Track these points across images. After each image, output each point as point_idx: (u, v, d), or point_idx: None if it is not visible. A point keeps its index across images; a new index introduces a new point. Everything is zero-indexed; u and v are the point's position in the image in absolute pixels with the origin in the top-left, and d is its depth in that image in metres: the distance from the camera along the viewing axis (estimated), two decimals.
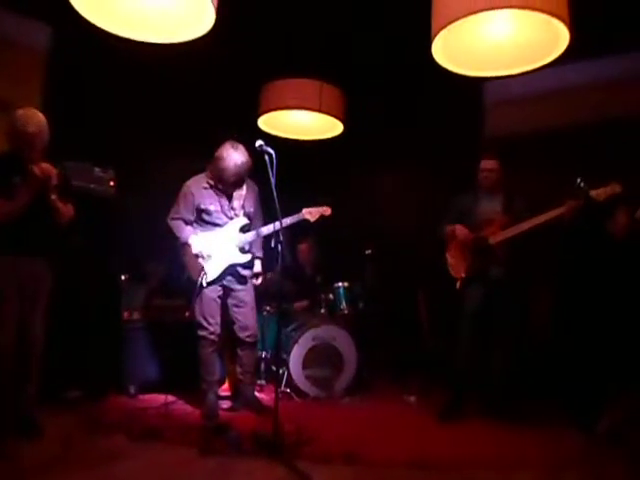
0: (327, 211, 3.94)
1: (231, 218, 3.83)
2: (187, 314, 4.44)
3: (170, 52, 3.14)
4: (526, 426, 3.50)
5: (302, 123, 4.74)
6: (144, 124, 4.82)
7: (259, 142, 3.25)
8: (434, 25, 2.77)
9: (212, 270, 3.73)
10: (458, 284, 3.90)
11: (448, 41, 2.86)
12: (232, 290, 3.83)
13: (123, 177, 4.17)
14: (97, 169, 3.23)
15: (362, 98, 4.87)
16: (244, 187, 3.84)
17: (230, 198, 3.81)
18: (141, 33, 2.81)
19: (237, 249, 3.80)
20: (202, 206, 3.78)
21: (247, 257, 3.83)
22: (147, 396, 4.12)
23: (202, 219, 3.82)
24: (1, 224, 2.98)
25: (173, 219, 3.80)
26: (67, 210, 3.21)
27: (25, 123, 3.06)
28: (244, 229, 3.85)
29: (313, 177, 5.84)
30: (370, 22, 4.51)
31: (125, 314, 4.37)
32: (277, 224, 3.37)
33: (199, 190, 3.79)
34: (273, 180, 3.22)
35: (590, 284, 4.02)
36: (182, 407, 3.90)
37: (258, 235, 3.84)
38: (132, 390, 4.16)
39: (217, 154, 3.65)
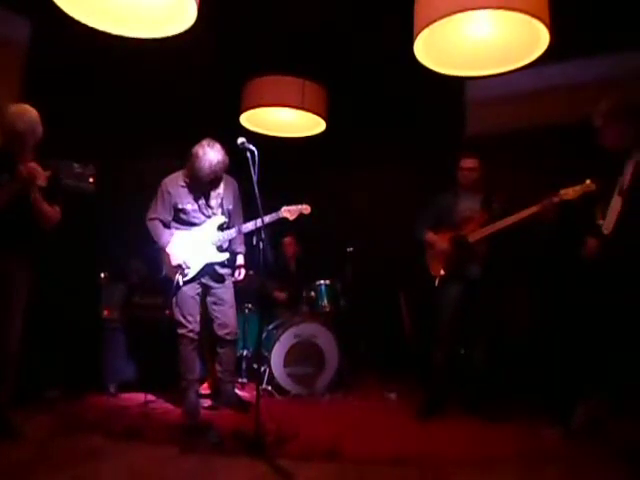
0: (306, 209, 3.93)
1: (209, 217, 3.81)
2: (167, 312, 4.41)
3: (152, 48, 3.12)
4: (505, 423, 3.55)
5: (284, 120, 4.73)
6: (125, 121, 4.77)
7: (241, 139, 3.24)
8: (416, 24, 2.78)
9: (189, 270, 3.71)
10: (437, 282, 3.93)
11: (430, 40, 2.87)
12: (211, 288, 3.82)
13: (103, 174, 4.12)
14: (76, 165, 3.17)
15: (343, 96, 4.87)
16: (222, 184, 3.82)
17: (207, 196, 3.79)
18: (121, 27, 2.79)
19: (214, 248, 3.78)
20: (179, 205, 3.75)
21: (225, 256, 3.81)
22: (127, 395, 4.10)
23: (179, 218, 3.79)
24: None
25: (151, 220, 3.77)
26: (54, 213, 3.12)
27: (15, 120, 2.99)
28: (222, 227, 3.83)
29: (295, 175, 5.83)
30: (351, 20, 4.51)
31: (105, 312, 4.33)
32: (258, 221, 3.37)
33: (176, 189, 3.75)
34: (255, 177, 3.20)
35: (566, 283, 4.08)
36: (162, 406, 3.88)
37: (238, 233, 3.83)
38: (112, 389, 4.14)
39: (193, 152, 3.61)
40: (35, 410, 3.43)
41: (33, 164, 2.97)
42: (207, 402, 3.97)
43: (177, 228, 3.80)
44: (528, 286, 4.55)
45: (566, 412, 3.42)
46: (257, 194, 3.21)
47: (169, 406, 3.86)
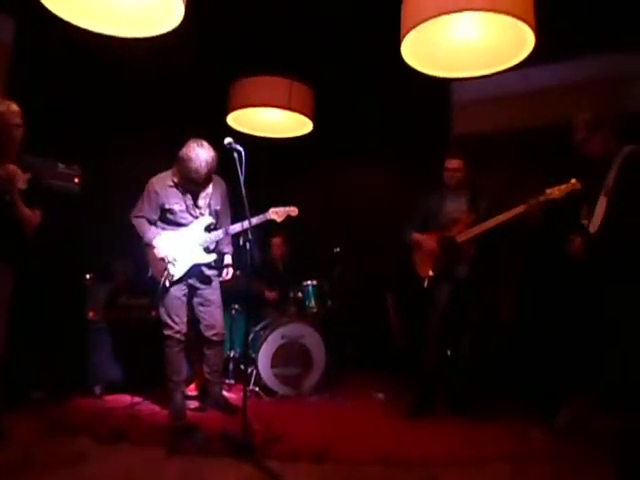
0: (294, 211, 3.92)
1: (196, 217, 3.78)
2: (154, 313, 4.39)
3: (138, 47, 3.11)
4: (492, 422, 3.57)
5: (272, 121, 4.72)
6: (110, 121, 4.73)
7: (228, 140, 3.23)
8: (403, 25, 2.79)
9: (176, 270, 3.69)
10: (426, 283, 3.94)
11: (417, 42, 2.89)
12: (197, 289, 3.80)
13: (88, 173, 4.09)
14: (61, 165, 3.14)
15: (330, 97, 4.87)
16: (210, 185, 3.80)
17: (195, 197, 3.76)
18: (107, 27, 2.77)
19: (201, 249, 3.76)
20: (166, 205, 3.73)
21: (212, 257, 3.79)
22: (113, 397, 4.06)
23: (166, 218, 3.77)
24: None
25: (136, 217, 3.74)
26: (33, 217, 3.06)
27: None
28: (209, 228, 3.81)
29: (282, 175, 5.82)
30: (339, 22, 4.52)
31: (90, 314, 4.29)
32: (245, 223, 3.36)
33: (164, 189, 3.72)
34: (242, 178, 3.20)
35: (553, 284, 4.12)
36: (149, 407, 3.85)
37: (226, 234, 3.81)
38: (98, 391, 4.10)
39: (184, 155, 3.57)
40: (20, 412, 3.39)
41: (13, 166, 2.93)
42: (194, 404, 3.96)
43: (164, 228, 3.77)
44: (515, 286, 4.58)
45: (550, 411, 3.46)
46: (244, 195, 3.20)
47: (155, 408, 3.84)
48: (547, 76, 4.76)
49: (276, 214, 3.85)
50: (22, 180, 2.94)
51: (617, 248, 2.93)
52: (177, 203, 3.73)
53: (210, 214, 3.82)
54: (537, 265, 4.41)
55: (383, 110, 5.48)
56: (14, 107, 3.02)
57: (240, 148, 3.20)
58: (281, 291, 5.13)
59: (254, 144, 3.93)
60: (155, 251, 3.69)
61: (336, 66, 5.07)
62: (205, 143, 3.61)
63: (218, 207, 3.85)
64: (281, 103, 4.32)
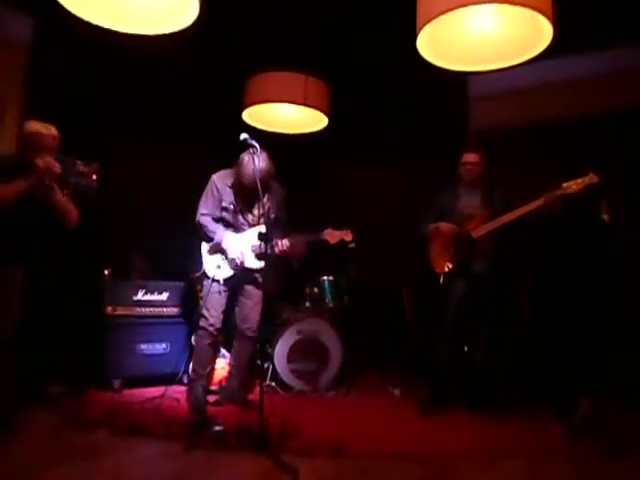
0: (348, 236, 3.88)
1: (248, 222, 3.81)
2: (165, 310, 4.44)
3: (155, 45, 3.13)
4: (508, 417, 3.55)
5: (287, 116, 4.71)
6: (127, 118, 4.77)
7: (243, 135, 3.24)
8: (419, 19, 2.77)
9: (226, 269, 3.76)
10: (441, 279, 3.92)
11: (433, 35, 2.87)
12: (242, 284, 3.86)
13: (107, 171, 4.13)
14: (79, 162, 3.17)
15: (346, 94, 4.86)
16: (266, 195, 3.75)
17: (250, 202, 3.79)
18: (124, 24, 2.79)
19: (253, 255, 3.78)
20: (223, 203, 3.77)
21: (260, 264, 3.78)
22: (132, 391, 4.11)
23: (223, 217, 3.81)
24: None
25: (203, 215, 3.77)
26: (75, 209, 3.17)
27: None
28: (262, 237, 3.80)
29: (297, 171, 5.81)
30: (352, 18, 4.50)
31: (108, 309, 4.33)
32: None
33: (223, 186, 3.76)
34: (258, 174, 3.21)
35: (567, 279, 4.08)
36: (167, 401, 3.87)
37: (276, 246, 3.77)
38: (116, 385, 4.15)
39: (240, 158, 3.59)
40: (39, 406, 3.44)
41: (49, 158, 3.00)
42: (212, 398, 3.98)
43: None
44: (532, 281, 4.54)
45: (567, 408, 3.43)
46: (260, 190, 3.23)
47: (174, 402, 3.86)
48: (565, 69, 4.70)
49: (330, 236, 3.84)
50: (58, 172, 3.03)
51: None
52: (232, 204, 3.77)
53: (266, 222, 3.74)
54: (551, 261, 4.36)
55: (399, 105, 5.44)
56: (54, 131, 3.12)
57: (256, 144, 3.22)
58: (294, 288, 5.11)
59: (270, 140, 3.93)
60: (227, 253, 3.74)
61: (350, 62, 5.03)
62: (264, 154, 3.51)
63: (273, 215, 3.83)
64: (296, 99, 4.32)
